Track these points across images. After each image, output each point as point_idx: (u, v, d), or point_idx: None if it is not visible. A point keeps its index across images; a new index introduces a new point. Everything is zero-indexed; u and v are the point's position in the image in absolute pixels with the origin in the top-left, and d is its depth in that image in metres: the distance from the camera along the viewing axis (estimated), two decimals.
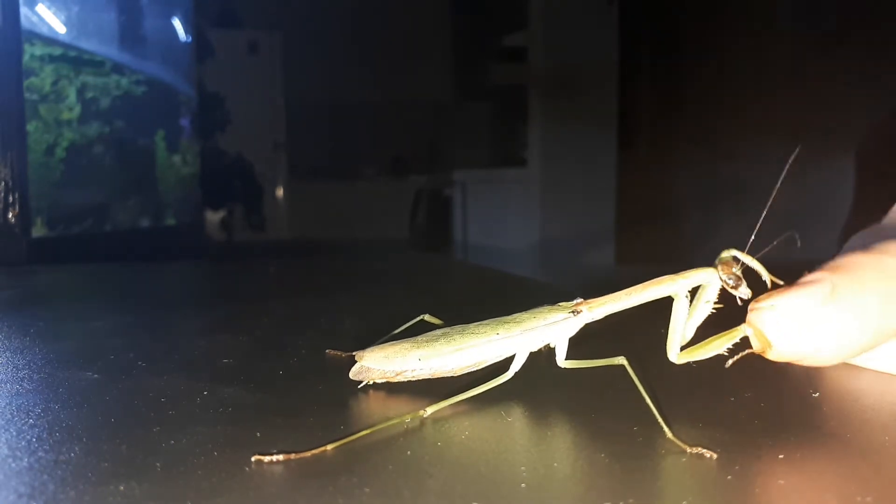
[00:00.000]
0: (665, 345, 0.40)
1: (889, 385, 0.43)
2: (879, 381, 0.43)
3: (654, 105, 4.13)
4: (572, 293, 0.43)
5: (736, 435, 0.35)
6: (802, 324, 0.37)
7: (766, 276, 0.39)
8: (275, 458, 0.31)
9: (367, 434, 0.34)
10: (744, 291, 0.39)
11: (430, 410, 0.37)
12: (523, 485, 0.29)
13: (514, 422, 0.38)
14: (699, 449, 0.32)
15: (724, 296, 0.40)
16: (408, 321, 0.49)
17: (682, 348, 0.40)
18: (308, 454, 0.32)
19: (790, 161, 0.40)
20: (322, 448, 0.32)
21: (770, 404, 0.40)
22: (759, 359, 0.38)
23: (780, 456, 0.32)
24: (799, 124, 3.03)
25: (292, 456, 0.32)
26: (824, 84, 2.96)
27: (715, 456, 0.32)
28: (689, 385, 0.44)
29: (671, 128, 3.94)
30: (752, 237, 0.39)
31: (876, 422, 0.38)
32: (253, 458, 0.31)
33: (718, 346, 0.38)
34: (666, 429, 0.34)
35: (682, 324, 0.40)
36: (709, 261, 0.40)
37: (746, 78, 3.42)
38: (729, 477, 0.30)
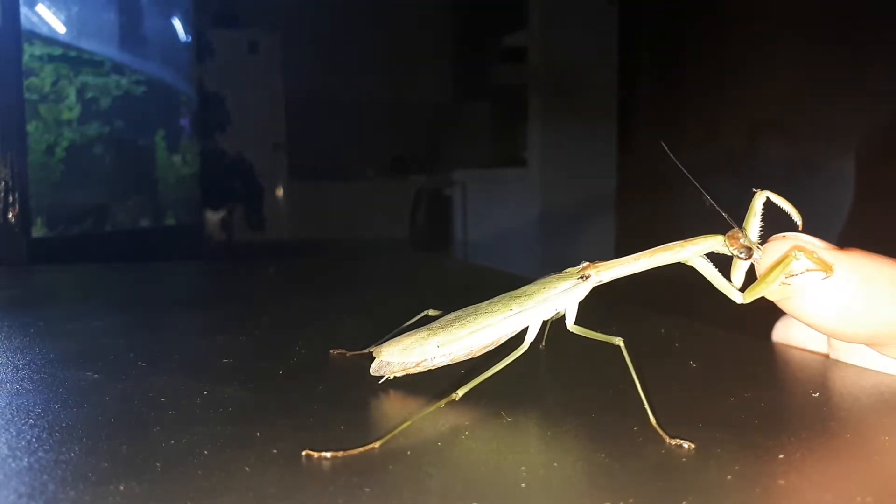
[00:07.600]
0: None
1: (889, 385, 0.43)
2: (879, 382, 0.43)
3: (654, 105, 4.13)
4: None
5: (736, 435, 0.35)
6: (809, 263, 0.37)
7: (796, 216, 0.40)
8: (325, 454, 0.32)
9: (407, 426, 0.35)
10: (757, 255, 0.38)
11: (461, 393, 0.37)
12: (523, 485, 0.29)
13: (514, 422, 0.38)
14: (678, 440, 0.33)
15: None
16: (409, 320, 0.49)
17: (741, 290, 0.39)
18: (356, 452, 0.32)
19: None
20: (371, 446, 0.33)
21: (770, 404, 0.40)
22: (758, 359, 0.38)
23: (780, 456, 0.32)
24: (799, 124, 3.02)
25: (340, 454, 0.32)
26: (824, 84, 2.96)
27: (693, 447, 0.32)
28: (688, 385, 0.44)
29: (671, 128, 3.94)
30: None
31: (876, 422, 0.38)
32: (303, 453, 0.32)
33: (775, 277, 0.38)
34: (651, 415, 0.34)
35: (717, 273, 0.40)
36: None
37: (746, 78, 3.42)
38: (729, 477, 0.30)
